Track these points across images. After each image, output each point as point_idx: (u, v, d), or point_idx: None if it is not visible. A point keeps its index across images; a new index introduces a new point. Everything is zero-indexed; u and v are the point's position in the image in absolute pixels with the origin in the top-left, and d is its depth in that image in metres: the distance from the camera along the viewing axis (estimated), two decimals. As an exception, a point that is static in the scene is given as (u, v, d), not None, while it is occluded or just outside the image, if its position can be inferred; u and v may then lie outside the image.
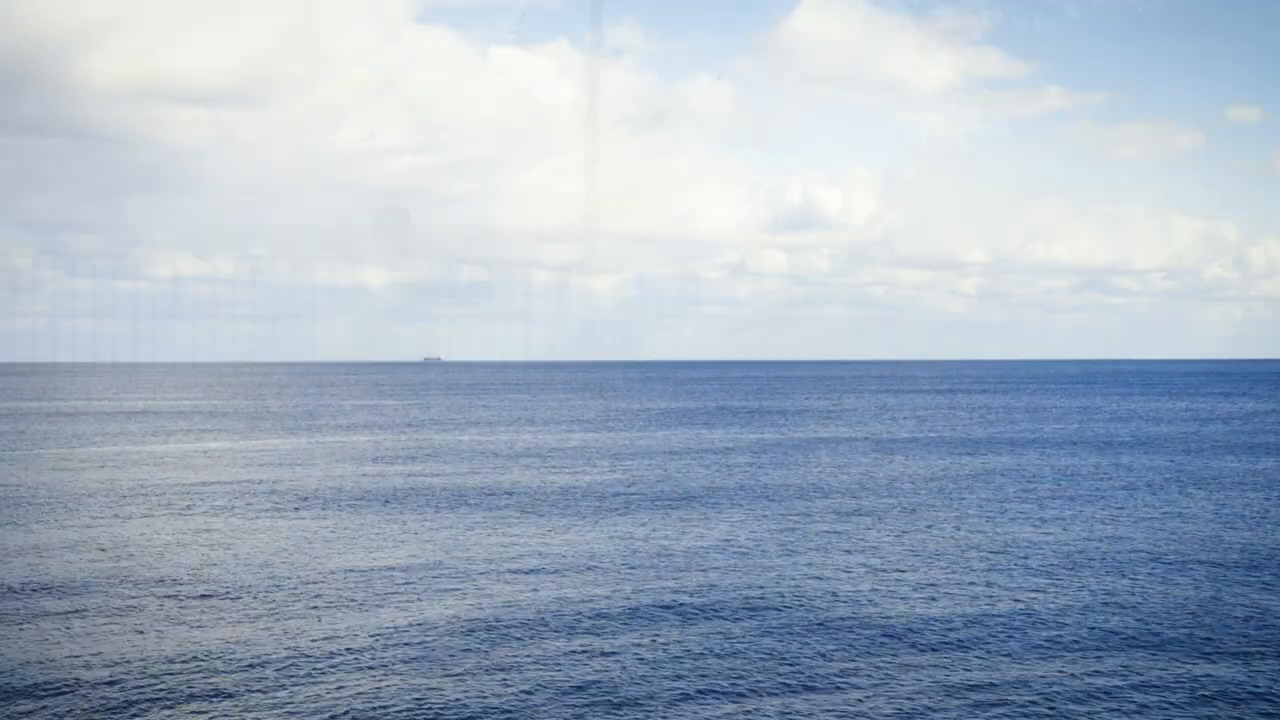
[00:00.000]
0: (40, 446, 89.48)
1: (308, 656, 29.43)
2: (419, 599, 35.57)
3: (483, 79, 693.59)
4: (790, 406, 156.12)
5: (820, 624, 32.67)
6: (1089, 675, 28.23)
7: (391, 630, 31.87)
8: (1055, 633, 31.90)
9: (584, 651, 29.91)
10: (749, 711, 25.69)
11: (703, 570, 39.93)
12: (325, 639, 30.97)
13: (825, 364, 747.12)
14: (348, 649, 30.07)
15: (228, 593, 36.32)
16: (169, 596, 35.85)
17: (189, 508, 54.80)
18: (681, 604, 34.94)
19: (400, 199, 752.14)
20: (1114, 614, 33.99)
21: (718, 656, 29.54)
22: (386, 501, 56.80)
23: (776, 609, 34.37)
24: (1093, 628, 32.44)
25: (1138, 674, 28.38)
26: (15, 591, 36.37)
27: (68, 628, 32.04)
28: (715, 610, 34.22)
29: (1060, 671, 28.50)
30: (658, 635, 31.46)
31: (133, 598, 35.57)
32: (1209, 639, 31.46)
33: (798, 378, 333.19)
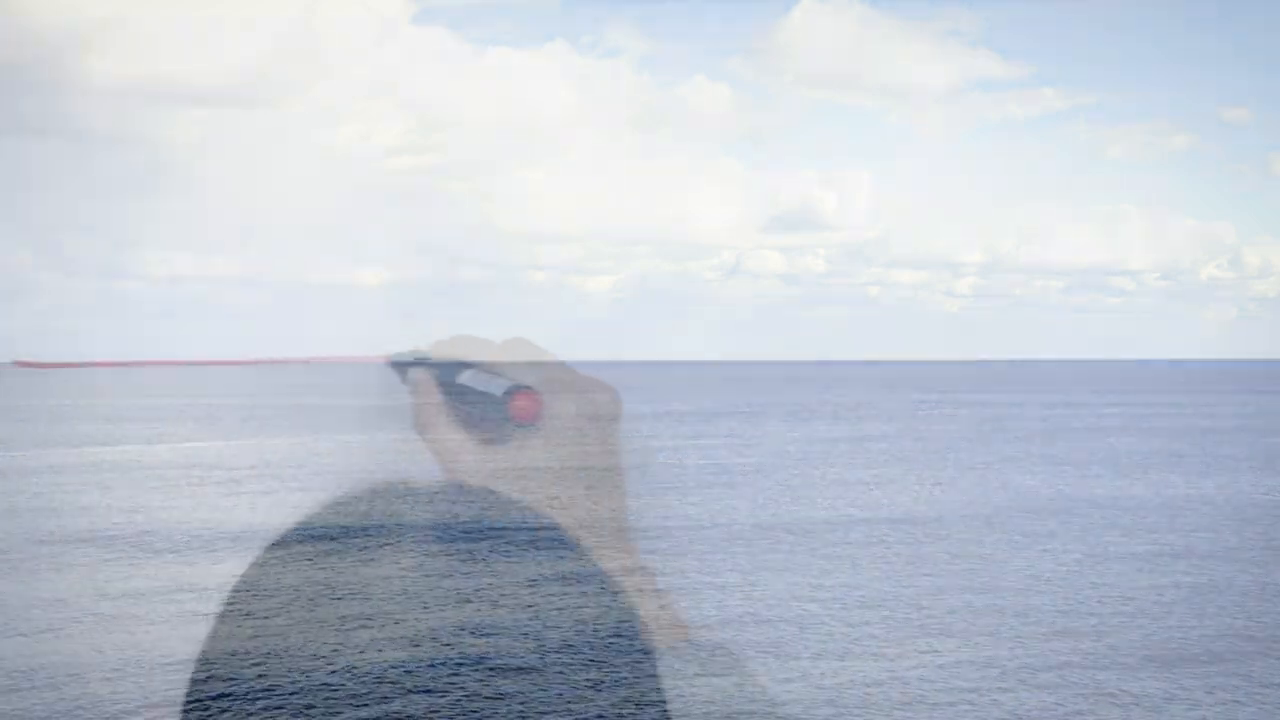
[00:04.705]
0: (40, 450, 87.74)
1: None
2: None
3: (480, 79, 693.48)
4: (795, 408, 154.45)
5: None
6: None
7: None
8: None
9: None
10: None
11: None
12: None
13: (820, 364, 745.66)
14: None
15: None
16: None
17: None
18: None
19: (398, 199, 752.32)
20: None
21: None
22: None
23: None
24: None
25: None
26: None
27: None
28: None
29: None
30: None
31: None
32: None
33: (795, 379, 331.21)
